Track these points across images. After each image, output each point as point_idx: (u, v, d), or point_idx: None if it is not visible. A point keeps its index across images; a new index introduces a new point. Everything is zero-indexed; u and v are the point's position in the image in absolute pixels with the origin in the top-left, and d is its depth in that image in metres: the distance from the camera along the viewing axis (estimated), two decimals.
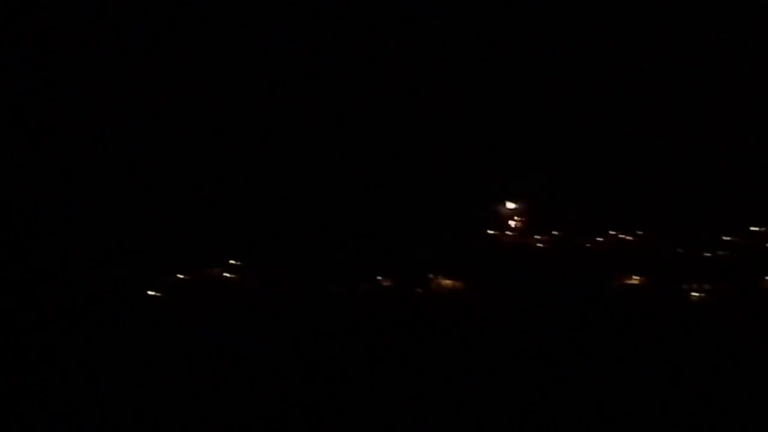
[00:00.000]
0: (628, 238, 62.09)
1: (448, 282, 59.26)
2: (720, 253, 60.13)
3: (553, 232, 63.16)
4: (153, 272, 59.49)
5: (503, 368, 49.26)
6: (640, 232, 61.78)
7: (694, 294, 56.78)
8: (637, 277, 58.41)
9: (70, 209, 58.57)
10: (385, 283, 59.19)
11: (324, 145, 63.50)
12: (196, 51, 61.75)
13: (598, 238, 62.09)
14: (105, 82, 61.62)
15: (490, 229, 63.49)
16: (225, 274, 61.29)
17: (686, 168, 62.05)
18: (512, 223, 63.61)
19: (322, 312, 56.24)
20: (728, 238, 61.01)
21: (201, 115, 62.93)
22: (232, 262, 61.59)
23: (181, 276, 60.24)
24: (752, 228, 61.18)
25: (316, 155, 63.02)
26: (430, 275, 59.26)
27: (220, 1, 61.87)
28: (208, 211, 61.12)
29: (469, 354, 50.73)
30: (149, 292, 58.36)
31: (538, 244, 63.19)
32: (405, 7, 61.44)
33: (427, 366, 49.64)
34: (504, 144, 62.57)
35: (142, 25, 60.56)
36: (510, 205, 63.22)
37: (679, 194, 61.99)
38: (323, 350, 51.23)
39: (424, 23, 62.26)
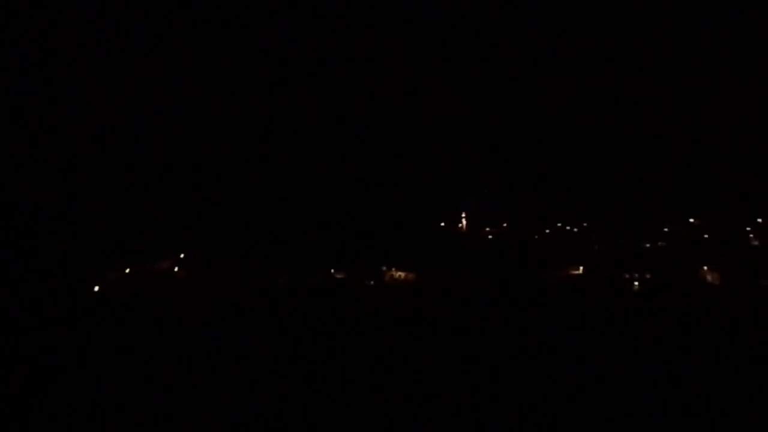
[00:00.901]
0: (573, 229, 64.18)
1: (401, 274, 59.97)
2: (660, 243, 62.46)
3: (503, 225, 64.89)
4: (100, 267, 58.44)
5: (455, 356, 49.66)
6: (585, 224, 63.89)
7: (635, 283, 58.44)
8: (581, 267, 60.10)
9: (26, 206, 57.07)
10: (339, 276, 59.66)
11: (281, 142, 63.17)
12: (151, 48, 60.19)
13: (546, 230, 64.01)
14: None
15: (442, 222, 64.79)
16: (175, 268, 60.90)
17: (627, 162, 64.17)
18: (463, 216, 64.96)
19: (275, 304, 55.99)
20: (667, 230, 63.53)
21: (149, 112, 61.58)
22: (182, 256, 61.21)
23: (128, 270, 59.42)
24: (690, 219, 63.96)
25: (273, 152, 62.65)
26: (383, 267, 59.97)
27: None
28: (160, 205, 60.23)
29: (423, 343, 51.01)
30: (95, 288, 57.24)
31: (489, 236, 64.74)
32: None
33: (381, 355, 49.74)
34: (456, 140, 63.44)
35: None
36: (462, 199, 64.56)
37: (620, 187, 64.10)
38: (277, 342, 50.85)
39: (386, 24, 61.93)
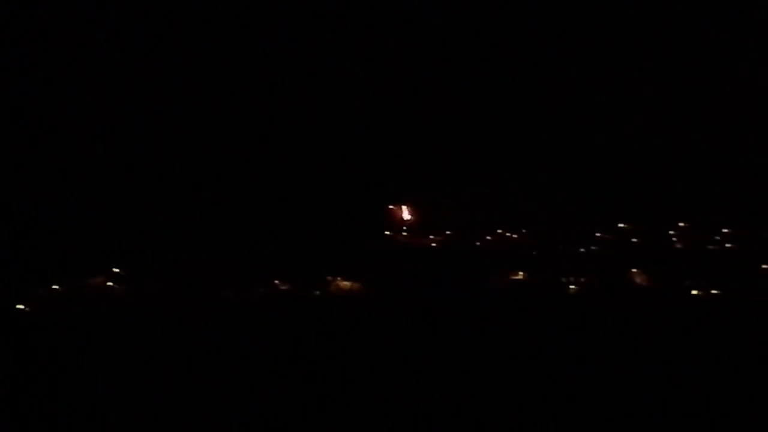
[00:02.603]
0: (513, 236, 65.83)
1: (346, 284, 59.60)
2: (593, 248, 64.99)
3: (446, 232, 65.83)
4: (26, 284, 55.24)
5: (401, 367, 49.60)
6: (524, 231, 65.71)
7: (572, 287, 60.53)
8: (522, 273, 61.64)
9: None
10: (283, 287, 58.63)
11: (221, 149, 61.76)
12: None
13: (487, 237, 65.40)
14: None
15: (386, 231, 65.02)
16: (109, 284, 58.15)
17: (563, 169, 66.44)
18: (407, 224, 65.51)
19: (216, 318, 54.43)
20: (599, 235, 66.17)
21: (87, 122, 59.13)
22: (116, 270, 58.54)
23: (58, 287, 56.30)
24: (620, 225, 66.83)
25: (213, 159, 61.19)
26: (329, 277, 59.39)
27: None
28: (94, 217, 57.70)
29: (368, 355, 50.73)
30: (18, 306, 54.01)
31: (432, 244, 65.49)
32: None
33: (327, 368, 49.12)
34: (398, 146, 63.81)
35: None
36: (405, 206, 65.13)
37: (555, 195, 66.27)
38: (218, 358, 49.36)
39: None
